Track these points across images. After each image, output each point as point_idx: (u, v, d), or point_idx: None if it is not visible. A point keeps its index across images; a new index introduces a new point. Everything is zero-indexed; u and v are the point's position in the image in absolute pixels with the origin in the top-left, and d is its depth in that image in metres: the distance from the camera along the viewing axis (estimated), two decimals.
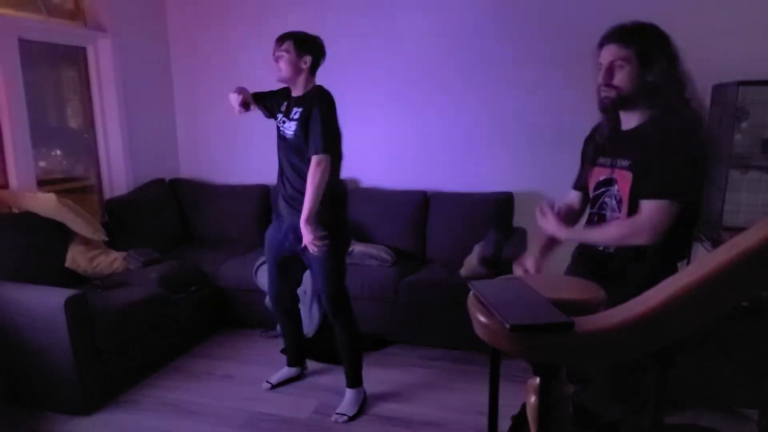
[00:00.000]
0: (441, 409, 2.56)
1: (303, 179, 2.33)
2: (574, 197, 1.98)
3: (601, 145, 1.77)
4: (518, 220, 3.56)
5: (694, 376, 2.35)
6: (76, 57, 3.55)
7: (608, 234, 1.65)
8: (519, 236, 3.39)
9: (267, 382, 2.76)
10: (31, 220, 2.89)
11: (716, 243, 2.84)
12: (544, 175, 3.53)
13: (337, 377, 2.84)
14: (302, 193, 2.32)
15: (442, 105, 3.66)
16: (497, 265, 3.01)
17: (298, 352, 2.84)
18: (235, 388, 2.76)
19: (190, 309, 3.19)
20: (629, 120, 1.68)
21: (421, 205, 3.58)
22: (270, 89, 2.57)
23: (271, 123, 2.59)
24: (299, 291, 3.18)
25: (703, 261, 0.78)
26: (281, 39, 2.35)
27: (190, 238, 3.96)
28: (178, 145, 4.24)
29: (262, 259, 3.36)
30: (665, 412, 1.86)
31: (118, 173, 3.73)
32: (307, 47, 2.34)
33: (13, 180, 3.05)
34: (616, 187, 1.69)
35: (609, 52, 1.63)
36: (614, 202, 1.69)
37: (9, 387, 2.57)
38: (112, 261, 3.12)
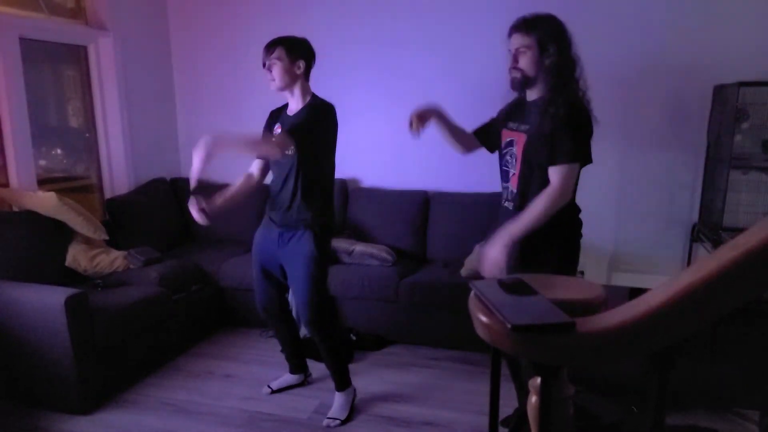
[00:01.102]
0: (441, 409, 2.56)
1: (294, 188, 2.34)
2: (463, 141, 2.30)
3: (509, 112, 2.08)
4: None
5: (695, 377, 2.35)
6: (77, 56, 3.55)
7: (536, 213, 1.85)
8: None
9: (268, 386, 2.73)
10: (31, 219, 2.89)
11: (717, 244, 2.84)
12: None
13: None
14: (294, 200, 2.34)
15: (443, 104, 3.65)
16: None
17: (299, 357, 2.77)
18: (236, 388, 2.77)
19: (190, 308, 3.19)
20: (531, 94, 1.97)
21: (421, 205, 3.58)
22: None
23: (265, 121, 2.59)
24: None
25: (704, 262, 0.78)
26: (271, 46, 2.26)
27: (191, 237, 3.96)
28: (179, 144, 4.24)
29: None
30: (665, 413, 1.86)
31: (118, 172, 3.73)
32: (298, 51, 2.28)
33: (13, 179, 3.05)
34: (515, 147, 1.99)
35: (515, 40, 1.91)
36: (513, 160, 1.99)
37: (9, 385, 2.57)
38: (112, 260, 3.13)
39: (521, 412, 1.95)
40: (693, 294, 0.76)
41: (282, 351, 2.97)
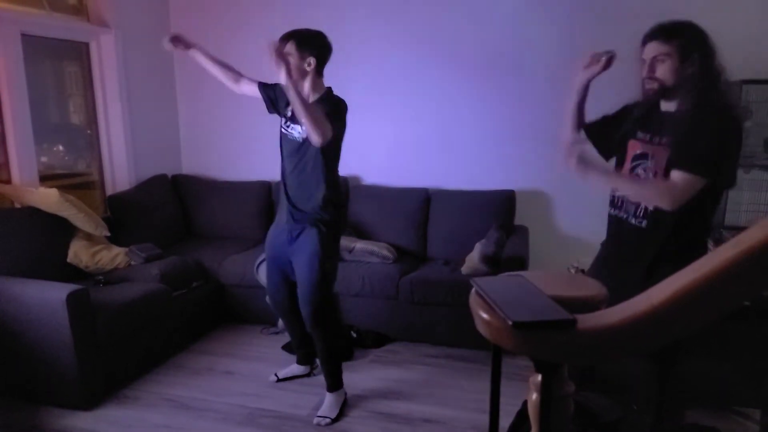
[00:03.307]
0: (442, 407, 2.57)
1: (305, 183, 2.33)
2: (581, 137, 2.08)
3: (639, 121, 1.88)
4: (520, 218, 3.56)
5: (696, 375, 2.35)
6: (78, 52, 3.55)
7: (636, 186, 1.75)
8: (520, 234, 3.38)
9: (275, 374, 2.77)
10: (33, 215, 2.90)
11: (718, 242, 2.83)
12: (546, 172, 3.53)
13: None
14: (303, 197, 2.34)
15: (444, 103, 3.66)
16: (499, 263, 3.01)
17: (306, 349, 2.78)
18: (236, 385, 2.77)
19: (191, 305, 3.20)
20: (668, 105, 1.82)
21: (422, 203, 3.58)
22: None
23: (274, 119, 2.58)
24: None
25: (706, 259, 0.77)
26: (282, 39, 2.20)
27: (192, 234, 3.97)
28: (180, 141, 4.25)
29: (263, 255, 3.36)
30: (666, 412, 1.86)
31: (120, 169, 3.73)
32: (309, 47, 2.22)
33: (15, 175, 3.06)
34: (651, 161, 1.81)
35: (651, 49, 1.77)
36: (650, 174, 1.82)
37: (10, 381, 2.58)
38: (114, 256, 3.13)
39: (521, 410, 1.95)
40: (694, 292, 0.76)
41: (284, 346, 2.99)
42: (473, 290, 0.94)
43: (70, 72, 3.63)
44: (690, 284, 0.76)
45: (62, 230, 3.01)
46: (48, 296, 2.42)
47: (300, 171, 2.36)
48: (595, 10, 3.25)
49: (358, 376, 2.83)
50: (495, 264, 3.03)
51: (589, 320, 0.81)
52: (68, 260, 3.01)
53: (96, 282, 2.95)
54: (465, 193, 3.56)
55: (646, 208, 1.82)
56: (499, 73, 3.54)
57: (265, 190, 3.90)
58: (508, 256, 2.97)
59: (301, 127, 2.25)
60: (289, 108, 2.32)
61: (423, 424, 2.43)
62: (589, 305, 0.95)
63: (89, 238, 3.11)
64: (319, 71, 2.30)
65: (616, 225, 1.95)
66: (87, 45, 3.54)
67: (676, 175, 1.69)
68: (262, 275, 3.30)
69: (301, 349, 2.80)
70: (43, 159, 3.40)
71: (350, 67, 3.66)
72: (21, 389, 2.58)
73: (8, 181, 3.06)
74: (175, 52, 2.49)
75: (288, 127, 2.39)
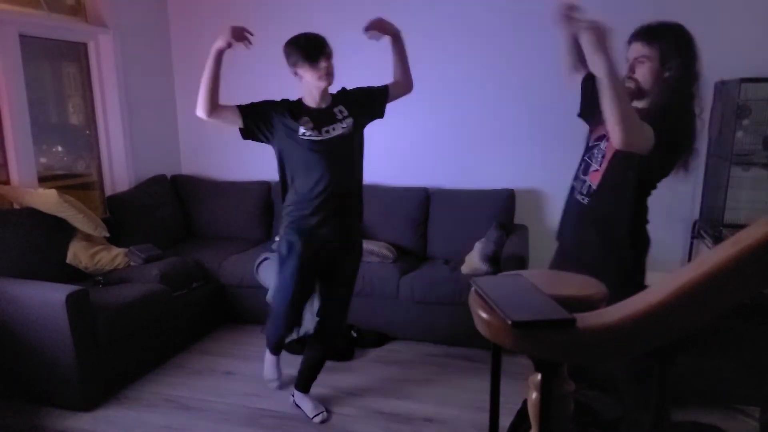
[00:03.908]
0: (442, 406, 2.57)
1: (353, 178, 2.33)
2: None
3: None
4: (519, 217, 3.56)
5: (696, 373, 2.36)
6: (77, 53, 3.54)
7: (623, 98, 1.62)
8: (520, 233, 3.38)
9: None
10: (32, 216, 2.89)
11: (718, 240, 2.83)
12: (545, 172, 3.53)
13: (336, 374, 2.85)
14: (352, 194, 2.35)
15: (443, 102, 3.66)
16: (499, 262, 3.01)
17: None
18: (237, 385, 2.77)
19: (191, 305, 3.20)
20: (639, 103, 1.85)
21: (422, 202, 3.58)
22: (251, 102, 2.29)
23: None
24: None
25: (705, 258, 0.77)
26: (328, 45, 2.17)
27: (192, 234, 3.96)
28: (179, 141, 4.24)
29: (264, 255, 3.36)
30: (666, 410, 1.86)
31: (119, 169, 3.73)
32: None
33: (14, 176, 3.06)
34: (605, 143, 1.88)
35: (634, 49, 1.79)
36: (600, 156, 1.89)
37: (10, 382, 2.58)
38: (113, 257, 3.13)
39: (521, 409, 1.96)
40: (693, 290, 0.76)
41: (288, 342, 3.00)
42: (473, 290, 0.94)
43: (68, 73, 3.63)
44: (689, 282, 0.76)
45: (61, 231, 3.01)
46: (48, 297, 2.42)
47: (351, 166, 2.34)
48: (596, 13, 3.25)
49: (358, 376, 2.83)
50: (495, 263, 3.04)
51: (588, 319, 0.81)
52: (68, 261, 3.01)
53: (95, 283, 2.95)
54: (465, 192, 3.56)
55: (590, 186, 1.91)
56: (498, 71, 3.53)
57: (265, 190, 3.90)
58: (508, 255, 2.98)
59: (344, 122, 2.26)
60: (304, 120, 2.20)
61: (424, 423, 2.43)
62: (589, 304, 0.95)
63: (89, 238, 3.11)
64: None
65: (569, 195, 2.04)
66: (85, 45, 3.54)
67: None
68: (262, 275, 3.30)
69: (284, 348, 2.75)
70: (42, 160, 3.40)
71: (352, 68, 3.65)
72: (21, 390, 2.58)
73: (7, 182, 3.06)
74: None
75: (319, 128, 2.22)
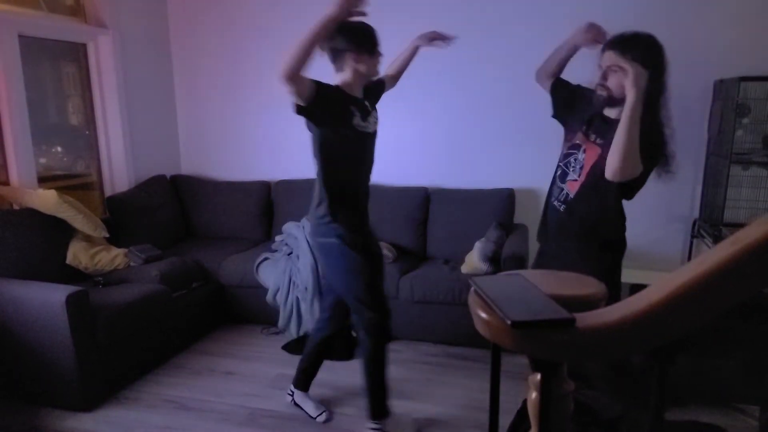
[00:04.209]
0: (442, 406, 2.57)
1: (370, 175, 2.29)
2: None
3: (591, 120, 2.00)
4: (519, 217, 3.56)
5: (695, 372, 2.36)
6: (76, 53, 3.54)
7: (632, 130, 1.74)
8: (520, 233, 3.38)
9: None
10: (32, 216, 2.89)
11: (717, 239, 2.84)
12: (545, 171, 3.50)
13: (336, 374, 2.85)
14: None
15: (443, 102, 3.66)
16: (498, 262, 3.01)
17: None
18: (237, 385, 2.77)
19: (191, 306, 3.20)
20: (612, 112, 1.93)
21: (422, 202, 3.58)
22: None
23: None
24: (300, 288, 3.19)
25: (705, 257, 0.77)
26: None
27: (192, 234, 3.96)
28: (179, 141, 4.24)
29: (264, 255, 3.37)
30: (666, 409, 1.86)
31: (119, 170, 3.73)
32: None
33: (14, 176, 3.05)
34: (582, 155, 1.96)
35: (608, 57, 1.84)
36: (578, 167, 1.97)
37: (10, 383, 2.58)
38: (113, 257, 3.13)
39: (521, 409, 1.96)
40: (693, 290, 0.76)
41: (288, 343, 2.99)
42: (472, 290, 0.94)
43: (68, 73, 3.62)
44: (688, 282, 0.76)
45: (61, 232, 3.01)
46: (47, 298, 2.42)
47: (371, 169, 2.29)
48: (597, 16, 3.25)
49: (358, 376, 2.83)
50: (495, 263, 3.04)
51: (588, 319, 0.81)
52: (67, 262, 3.01)
53: (95, 283, 2.95)
54: (465, 191, 3.56)
55: (567, 194, 1.99)
56: (499, 71, 3.53)
57: (265, 190, 3.89)
58: (508, 255, 2.98)
59: (374, 114, 2.22)
60: (355, 109, 2.11)
61: (424, 423, 2.43)
62: (588, 304, 0.95)
63: (88, 239, 3.11)
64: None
65: (546, 198, 2.13)
66: (85, 46, 3.54)
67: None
68: (262, 275, 3.30)
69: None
70: (42, 160, 3.40)
71: None
72: (21, 391, 2.58)
73: (7, 183, 3.06)
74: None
75: (363, 121, 2.14)
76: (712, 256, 0.76)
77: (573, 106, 2.08)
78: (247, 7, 3.86)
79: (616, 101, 1.84)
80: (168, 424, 2.45)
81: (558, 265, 1.67)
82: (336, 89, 2.08)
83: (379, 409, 2.31)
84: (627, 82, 1.71)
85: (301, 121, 2.07)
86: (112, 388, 2.68)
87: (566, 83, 2.16)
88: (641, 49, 1.77)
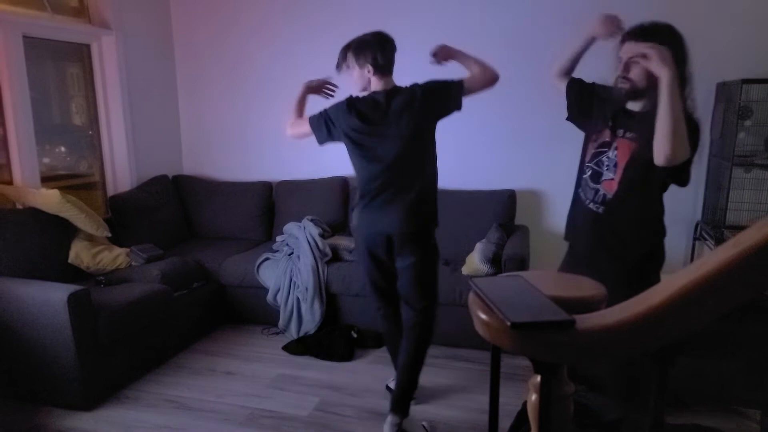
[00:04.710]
0: (442, 407, 2.57)
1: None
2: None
3: (615, 115, 1.91)
4: (520, 218, 3.55)
5: (696, 375, 2.35)
6: (80, 54, 3.56)
7: (678, 116, 1.65)
8: (521, 234, 3.38)
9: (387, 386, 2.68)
10: (34, 216, 2.90)
11: (719, 241, 2.83)
12: (546, 172, 3.53)
13: (336, 374, 2.85)
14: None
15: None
16: (499, 263, 3.01)
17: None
18: (237, 385, 2.77)
19: (192, 305, 3.20)
20: (636, 105, 1.86)
21: None
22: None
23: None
24: (301, 288, 3.19)
25: (706, 259, 0.77)
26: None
27: (193, 234, 3.97)
28: (181, 141, 4.25)
29: (265, 255, 3.37)
30: (666, 412, 1.86)
31: (121, 170, 3.74)
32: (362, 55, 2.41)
33: (17, 176, 3.07)
34: (614, 152, 1.87)
35: (628, 48, 1.78)
36: (612, 165, 1.88)
37: (11, 382, 2.58)
38: (115, 257, 3.14)
39: (521, 411, 1.96)
40: (694, 292, 0.76)
41: (284, 346, 2.99)
42: (472, 291, 0.94)
43: (71, 73, 3.64)
44: (689, 284, 0.76)
45: (63, 231, 3.02)
46: (49, 297, 2.42)
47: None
48: (596, 10, 3.25)
49: (358, 377, 2.83)
50: (495, 264, 3.03)
51: (588, 321, 0.81)
52: (69, 261, 3.01)
53: (97, 282, 2.95)
54: (465, 192, 3.56)
55: (604, 195, 1.90)
56: (500, 71, 3.53)
57: (266, 190, 3.90)
58: (509, 256, 2.97)
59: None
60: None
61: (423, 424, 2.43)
62: (588, 306, 0.95)
63: (90, 238, 3.12)
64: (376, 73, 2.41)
65: (575, 203, 2.03)
66: (88, 47, 3.55)
67: None
68: (263, 276, 3.30)
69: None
70: (45, 160, 3.41)
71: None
72: (22, 389, 2.58)
73: (10, 182, 3.07)
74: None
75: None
76: (712, 258, 0.76)
77: (591, 105, 2.01)
78: (250, 8, 3.87)
79: (640, 93, 1.79)
80: (168, 423, 2.45)
81: (591, 270, 1.46)
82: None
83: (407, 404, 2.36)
84: (654, 64, 1.63)
85: None
86: (113, 387, 2.68)
87: (581, 82, 2.09)
88: (662, 38, 1.72)
